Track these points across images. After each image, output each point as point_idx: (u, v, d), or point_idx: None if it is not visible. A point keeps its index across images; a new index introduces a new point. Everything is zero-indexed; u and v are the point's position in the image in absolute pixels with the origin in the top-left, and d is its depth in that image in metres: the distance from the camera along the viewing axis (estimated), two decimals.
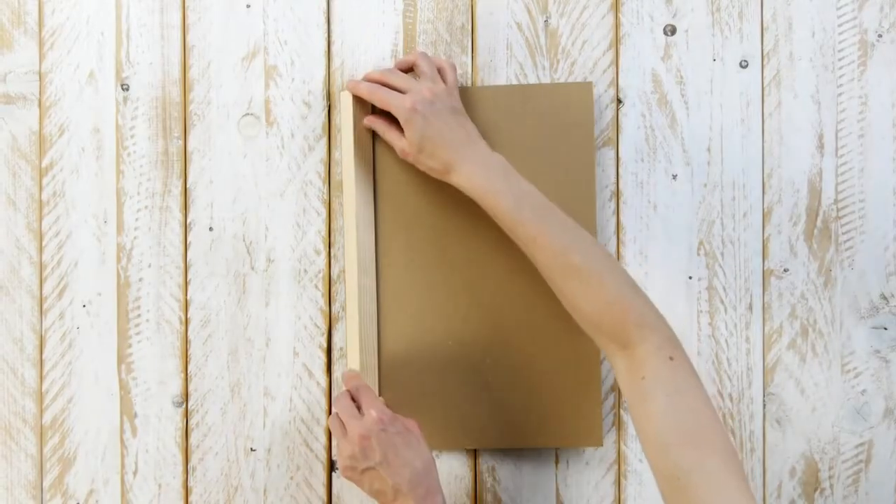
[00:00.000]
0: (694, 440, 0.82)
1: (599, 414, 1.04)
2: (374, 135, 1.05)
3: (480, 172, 0.95)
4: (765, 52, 1.06)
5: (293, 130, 1.07)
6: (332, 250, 1.07)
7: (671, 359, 0.86)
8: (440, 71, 1.01)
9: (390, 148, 1.04)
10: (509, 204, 0.94)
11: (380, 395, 1.04)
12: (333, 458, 1.07)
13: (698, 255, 1.06)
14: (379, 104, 1.00)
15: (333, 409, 0.99)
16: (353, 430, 0.94)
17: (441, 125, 0.97)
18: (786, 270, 1.06)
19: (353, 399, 0.98)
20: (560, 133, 1.04)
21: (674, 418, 0.83)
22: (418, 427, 0.97)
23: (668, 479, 0.81)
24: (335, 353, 1.07)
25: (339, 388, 1.06)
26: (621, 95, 1.07)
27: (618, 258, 1.06)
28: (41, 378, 1.07)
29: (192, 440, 1.07)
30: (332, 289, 1.07)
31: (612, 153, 1.06)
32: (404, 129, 0.98)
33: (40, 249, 1.07)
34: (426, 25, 1.07)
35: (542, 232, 0.92)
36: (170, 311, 1.07)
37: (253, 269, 1.07)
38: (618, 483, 1.06)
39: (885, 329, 1.06)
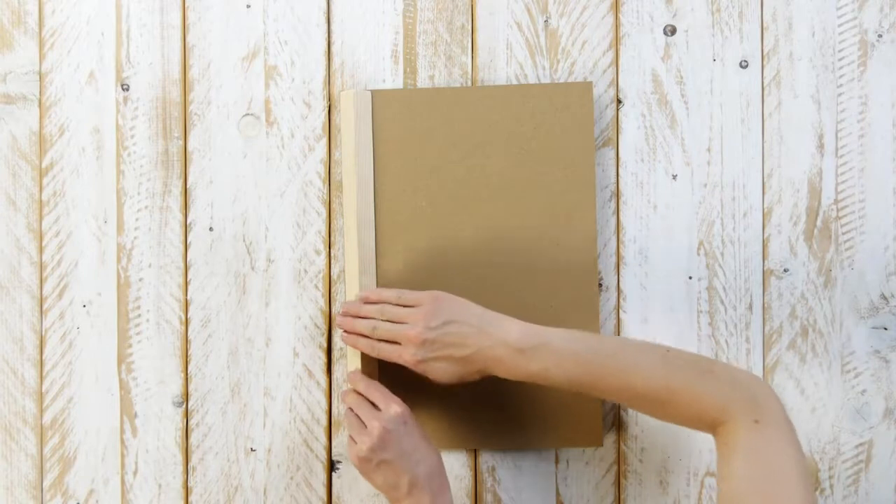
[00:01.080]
0: (771, 501, 0.82)
1: (599, 414, 1.04)
2: (374, 135, 1.05)
3: (514, 364, 0.92)
4: (765, 52, 1.06)
5: (293, 130, 1.07)
6: (332, 250, 1.07)
7: (756, 422, 0.86)
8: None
9: (390, 148, 1.04)
10: (551, 376, 0.91)
11: None
12: (335, 457, 1.07)
13: (698, 255, 1.06)
14: (386, 359, 0.98)
15: (346, 404, 0.99)
16: (374, 423, 0.94)
17: (449, 357, 0.94)
18: (786, 270, 1.06)
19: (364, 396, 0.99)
20: (560, 133, 1.04)
21: (748, 482, 0.83)
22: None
23: None
24: (335, 353, 1.07)
25: (339, 389, 1.06)
26: (621, 95, 1.07)
27: (618, 258, 1.06)
28: (41, 378, 1.07)
29: (192, 440, 1.07)
30: (332, 289, 1.07)
31: (612, 153, 1.06)
32: (428, 375, 0.95)
33: (40, 249, 1.07)
34: (426, 25, 1.07)
35: (596, 379, 0.90)
36: (170, 311, 1.07)
37: (253, 269, 1.07)
38: (618, 483, 1.06)
39: (885, 329, 1.06)
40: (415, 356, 0.94)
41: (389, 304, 0.98)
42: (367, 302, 0.99)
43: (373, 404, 0.97)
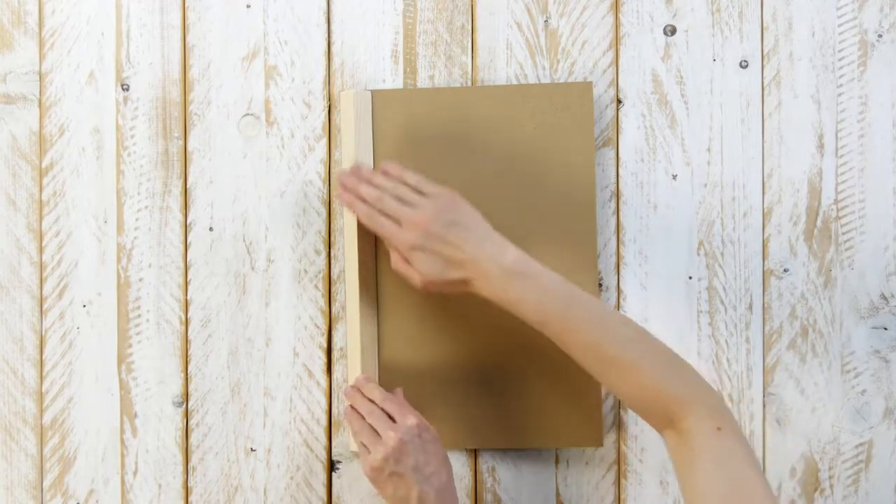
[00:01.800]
0: None
1: (600, 414, 1.04)
2: (374, 135, 1.05)
3: (499, 284, 0.92)
4: (765, 52, 1.06)
5: (293, 130, 1.07)
6: (332, 250, 1.07)
7: (719, 429, 0.86)
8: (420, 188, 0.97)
9: (390, 148, 1.04)
10: (530, 310, 0.92)
11: None
12: (335, 457, 1.07)
13: (698, 255, 1.06)
14: (378, 234, 0.97)
15: (350, 411, 0.99)
16: (391, 434, 0.94)
17: (441, 255, 0.93)
18: (786, 270, 1.06)
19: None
20: (560, 133, 1.04)
21: (721, 487, 0.83)
22: (436, 434, 0.98)
23: None
24: (335, 353, 1.07)
25: (339, 389, 1.06)
26: (621, 95, 1.07)
27: (618, 258, 1.06)
28: (41, 378, 1.07)
29: (192, 440, 1.07)
30: (332, 289, 1.07)
31: (612, 153, 1.06)
32: (412, 264, 0.94)
33: (40, 249, 1.07)
34: (426, 25, 1.07)
35: (570, 329, 0.91)
36: (170, 311, 1.07)
37: (253, 269, 1.07)
38: (618, 483, 1.06)
39: (885, 329, 1.06)
40: (410, 241, 0.93)
41: (408, 185, 0.96)
42: (385, 174, 0.97)
43: (388, 415, 0.97)
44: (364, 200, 0.97)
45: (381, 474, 0.94)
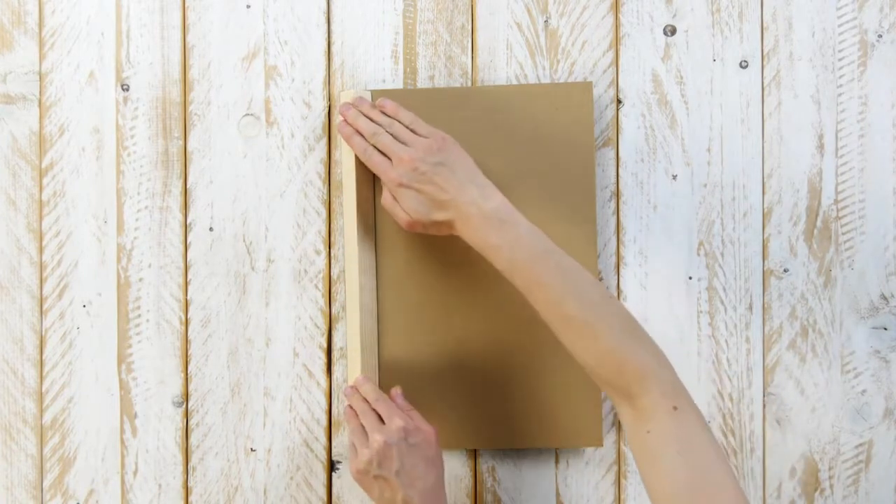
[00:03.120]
0: (707, 499, 0.81)
1: (599, 414, 1.04)
2: None
3: (477, 227, 0.93)
4: (765, 53, 1.06)
5: (293, 130, 1.07)
6: (332, 250, 1.07)
7: (675, 409, 0.85)
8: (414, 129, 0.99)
9: None
10: (502, 257, 0.92)
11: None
12: (335, 457, 1.07)
13: (698, 255, 1.06)
14: (371, 166, 0.99)
15: (349, 411, 0.99)
16: (376, 437, 0.94)
17: (427, 194, 0.95)
18: (786, 270, 1.06)
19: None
20: (560, 133, 1.04)
21: (684, 476, 0.82)
22: (436, 435, 0.97)
23: None
24: (335, 353, 1.07)
25: (339, 389, 1.07)
26: (621, 95, 1.07)
27: (618, 258, 1.06)
28: (41, 378, 1.07)
29: (192, 440, 1.07)
30: (332, 289, 1.07)
31: (612, 153, 1.06)
32: (399, 201, 0.97)
33: (40, 249, 1.07)
34: (426, 25, 1.07)
35: (536, 281, 0.90)
36: (170, 311, 1.07)
37: (253, 269, 1.07)
38: (618, 483, 1.06)
39: (885, 329, 1.06)
40: (398, 177, 0.95)
41: (402, 124, 0.98)
42: (382, 111, 1.00)
43: (378, 416, 0.97)
44: (361, 134, 0.99)
45: (366, 476, 0.95)
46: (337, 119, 1.04)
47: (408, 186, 0.95)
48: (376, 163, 0.97)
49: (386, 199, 0.98)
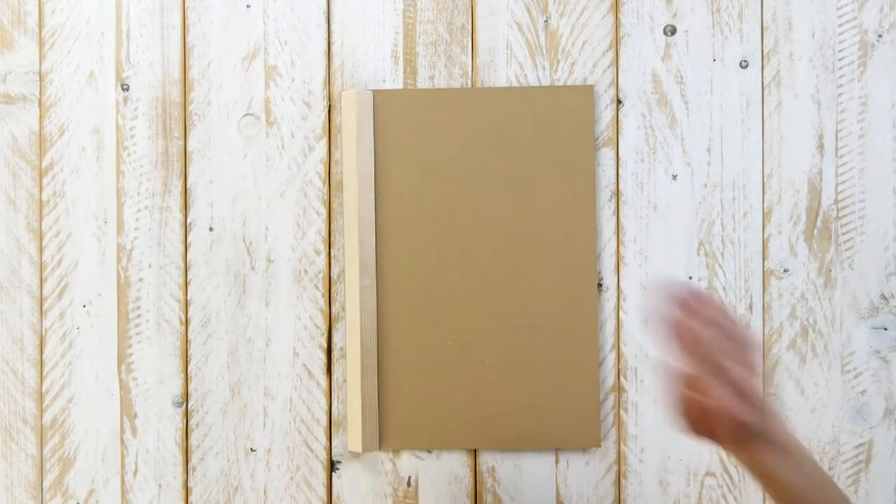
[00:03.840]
0: None
1: (597, 415, 1.04)
2: (375, 135, 1.05)
3: (781, 461, 0.79)
4: (765, 52, 1.06)
5: (293, 130, 1.07)
6: (332, 250, 1.07)
7: None
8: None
9: (391, 148, 1.04)
10: (782, 486, 0.79)
11: (379, 394, 1.04)
12: (335, 458, 1.07)
13: (698, 255, 1.06)
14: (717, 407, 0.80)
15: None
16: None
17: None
18: (786, 270, 1.06)
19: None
20: (560, 135, 1.04)
21: None
22: None
23: None
24: (335, 353, 1.07)
25: (339, 389, 1.06)
26: (621, 96, 1.07)
27: (618, 258, 1.06)
28: (41, 378, 1.07)
29: (192, 440, 1.07)
30: (332, 289, 1.07)
31: (612, 153, 1.06)
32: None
33: (40, 249, 1.07)
34: (426, 25, 1.07)
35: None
36: (170, 311, 1.07)
37: (253, 269, 1.07)
38: (618, 483, 1.06)
39: (885, 329, 1.06)
40: (750, 416, 0.80)
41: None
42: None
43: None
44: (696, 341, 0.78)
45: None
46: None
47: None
48: (727, 402, 0.79)
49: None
